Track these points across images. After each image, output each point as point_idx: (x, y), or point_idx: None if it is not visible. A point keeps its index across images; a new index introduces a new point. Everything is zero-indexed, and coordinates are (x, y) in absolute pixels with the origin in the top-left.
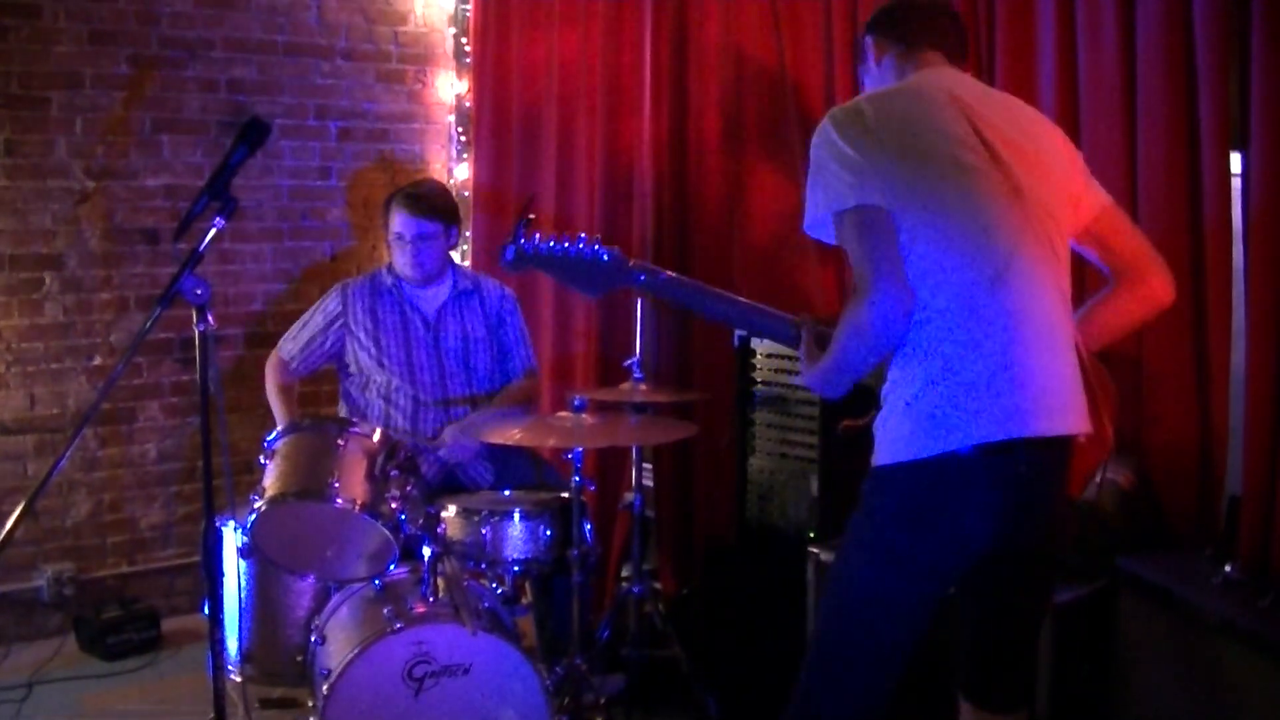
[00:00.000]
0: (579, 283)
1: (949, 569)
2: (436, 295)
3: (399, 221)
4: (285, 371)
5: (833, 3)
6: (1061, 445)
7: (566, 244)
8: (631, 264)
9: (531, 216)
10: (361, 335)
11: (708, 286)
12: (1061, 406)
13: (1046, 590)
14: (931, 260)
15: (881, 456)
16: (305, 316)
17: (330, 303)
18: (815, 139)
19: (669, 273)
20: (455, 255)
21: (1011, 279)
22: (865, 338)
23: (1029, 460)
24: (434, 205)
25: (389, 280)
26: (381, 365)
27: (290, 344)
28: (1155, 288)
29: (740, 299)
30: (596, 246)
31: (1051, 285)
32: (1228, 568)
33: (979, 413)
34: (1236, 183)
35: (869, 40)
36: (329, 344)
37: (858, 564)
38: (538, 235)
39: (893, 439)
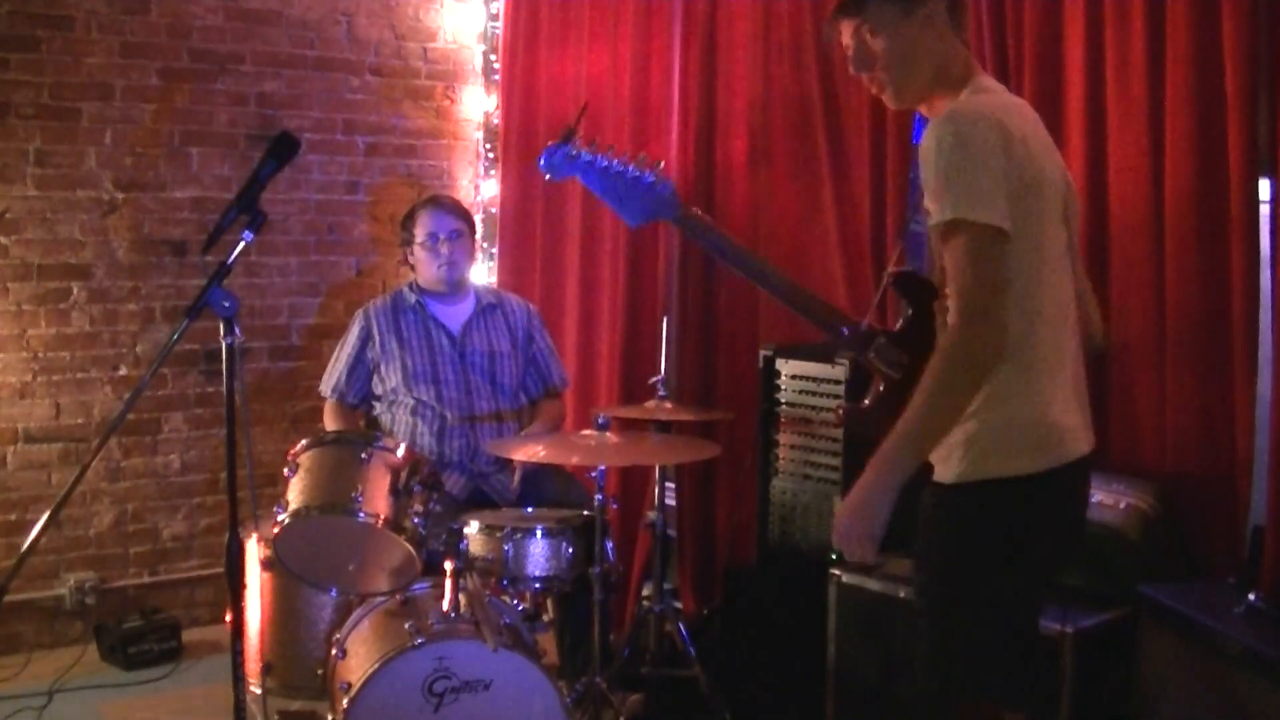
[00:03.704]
0: (619, 203)
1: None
2: (461, 311)
3: (431, 221)
4: (342, 410)
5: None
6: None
7: (615, 162)
8: (683, 206)
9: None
10: (387, 355)
11: (756, 256)
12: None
13: None
14: (1027, 288)
15: (977, 470)
16: (337, 351)
17: (356, 327)
18: (958, 130)
19: (719, 231)
20: (481, 271)
21: (1071, 311)
22: (976, 368)
23: (1084, 476)
24: (458, 205)
25: (412, 298)
26: (408, 385)
27: (333, 379)
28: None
29: (787, 281)
30: (646, 172)
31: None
32: (1251, 597)
33: (1066, 431)
34: (1264, 209)
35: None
36: (369, 363)
37: (991, 575)
38: (586, 145)
39: (995, 453)
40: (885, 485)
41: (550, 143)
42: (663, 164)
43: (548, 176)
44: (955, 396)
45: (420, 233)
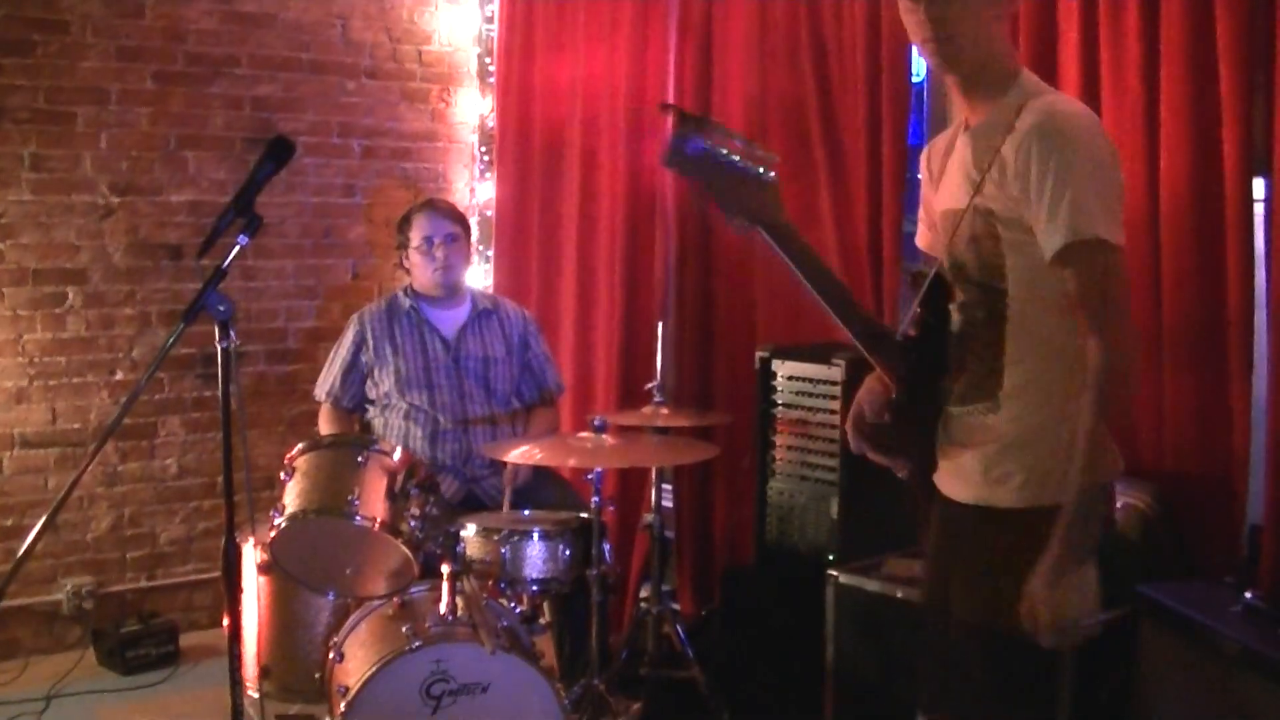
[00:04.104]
0: (731, 206)
1: None
2: (456, 316)
3: (426, 224)
4: (338, 414)
5: (872, 22)
6: None
7: (739, 158)
8: (781, 208)
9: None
10: (381, 361)
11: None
12: None
13: None
14: None
15: (1045, 495)
16: (331, 355)
17: (350, 332)
18: (1094, 142)
19: (801, 244)
20: (477, 275)
21: None
22: (1132, 383)
23: None
24: (453, 209)
25: (407, 303)
26: (401, 391)
27: (328, 383)
28: None
29: (865, 314)
30: (767, 170)
31: None
32: (1248, 595)
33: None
34: (1259, 208)
35: None
36: (364, 368)
37: None
38: (715, 137)
39: (1059, 476)
40: (1089, 545)
41: (680, 130)
42: (778, 158)
43: (672, 170)
44: (1119, 417)
45: (415, 236)
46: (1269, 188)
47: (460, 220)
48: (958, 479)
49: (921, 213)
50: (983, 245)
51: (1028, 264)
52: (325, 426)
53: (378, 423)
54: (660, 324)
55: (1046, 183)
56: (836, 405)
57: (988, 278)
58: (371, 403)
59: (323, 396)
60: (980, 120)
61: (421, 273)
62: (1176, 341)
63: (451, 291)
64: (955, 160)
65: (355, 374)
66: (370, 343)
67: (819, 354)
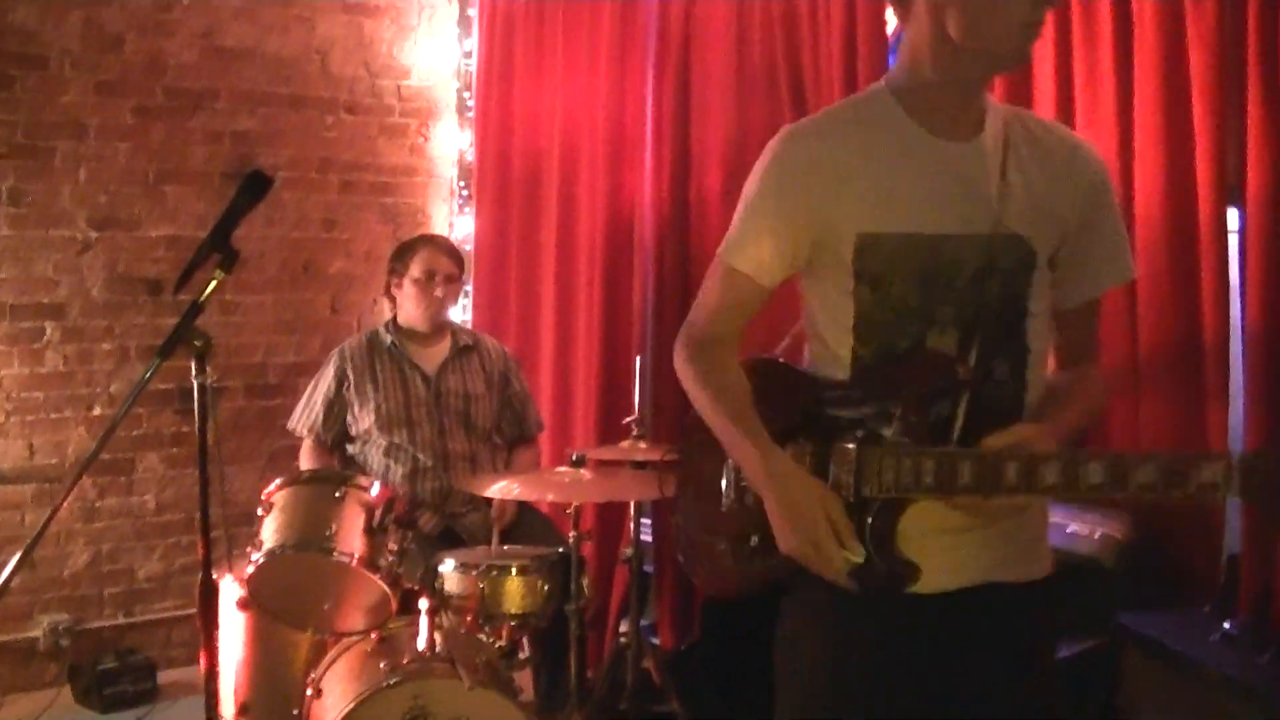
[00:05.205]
0: None
1: None
2: (437, 353)
3: (430, 259)
4: (320, 450)
5: (849, 49)
6: None
7: None
8: None
9: None
10: (361, 398)
11: None
12: None
13: None
14: None
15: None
16: (311, 390)
17: (332, 366)
18: None
19: None
20: (455, 309)
21: None
22: None
23: None
24: (455, 249)
25: (388, 339)
26: (381, 428)
27: (310, 419)
28: None
29: None
30: None
31: None
32: (1227, 624)
33: None
34: (1233, 239)
35: None
36: (345, 404)
37: None
38: None
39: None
40: None
41: None
42: None
43: None
44: None
45: (417, 269)
46: (1243, 219)
47: (459, 263)
48: (1004, 559)
49: (764, 227)
50: (1015, 280)
51: (1046, 304)
52: (308, 462)
53: (358, 459)
54: (639, 357)
55: (1113, 215)
56: None
57: (1011, 321)
58: (351, 439)
59: (304, 431)
60: (965, 128)
61: (414, 306)
62: (1153, 372)
63: (437, 329)
64: (942, 172)
65: (337, 409)
66: (351, 378)
67: None
